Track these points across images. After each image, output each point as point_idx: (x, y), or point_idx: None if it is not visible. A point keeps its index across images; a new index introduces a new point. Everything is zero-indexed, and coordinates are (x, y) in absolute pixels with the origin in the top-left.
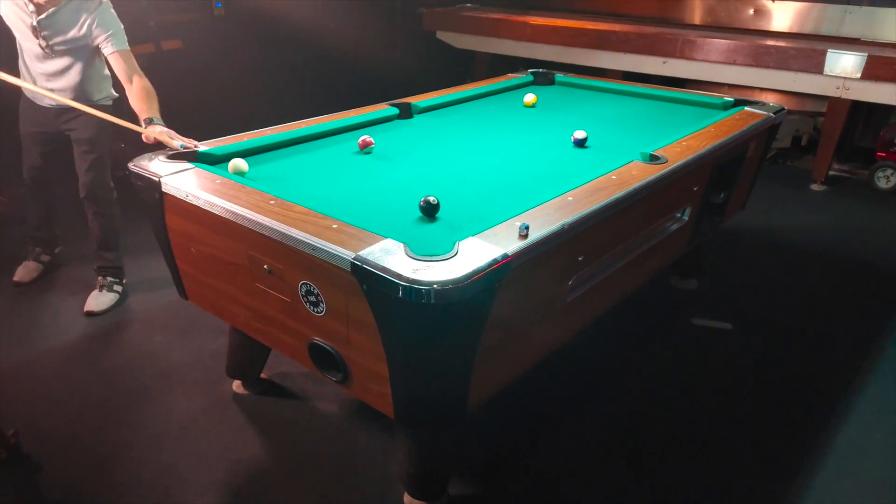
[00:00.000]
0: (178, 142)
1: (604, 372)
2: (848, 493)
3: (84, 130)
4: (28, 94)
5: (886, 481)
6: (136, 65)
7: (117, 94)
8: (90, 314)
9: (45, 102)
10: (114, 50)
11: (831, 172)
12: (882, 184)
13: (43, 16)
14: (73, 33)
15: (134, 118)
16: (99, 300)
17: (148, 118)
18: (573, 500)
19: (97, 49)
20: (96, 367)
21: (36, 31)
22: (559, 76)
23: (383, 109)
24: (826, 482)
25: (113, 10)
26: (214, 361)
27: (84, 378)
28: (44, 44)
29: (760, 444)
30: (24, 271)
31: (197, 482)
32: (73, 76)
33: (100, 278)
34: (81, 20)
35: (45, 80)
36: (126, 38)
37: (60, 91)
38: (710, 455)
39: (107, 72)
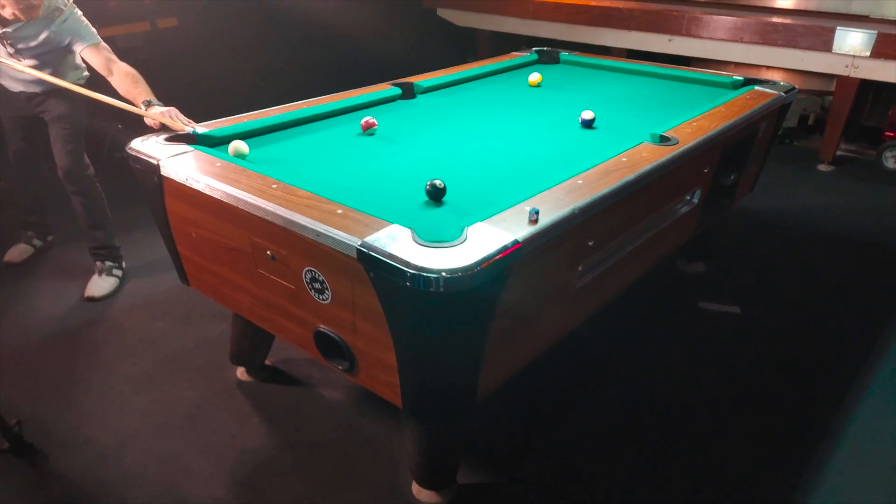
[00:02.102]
0: (188, 127)
1: (612, 357)
2: (862, 479)
3: (57, 108)
4: (1, 81)
5: None
6: (111, 53)
7: (89, 74)
8: (91, 299)
9: (15, 88)
10: (84, 46)
11: (839, 152)
12: (890, 164)
13: (9, 28)
14: (39, 42)
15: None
16: (99, 285)
17: (146, 101)
18: (583, 486)
19: (68, 48)
20: (98, 354)
21: (2, 39)
22: (564, 55)
23: (386, 90)
24: (839, 468)
25: (77, 12)
26: (217, 348)
27: (86, 365)
28: (11, 50)
29: (772, 430)
30: (16, 252)
31: (203, 471)
32: (44, 72)
33: (98, 263)
34: (47, 31)
35: (14, 72)
36: (95, 32)
37: (32, 82)
38: (721, 440)
39: (78, 60)
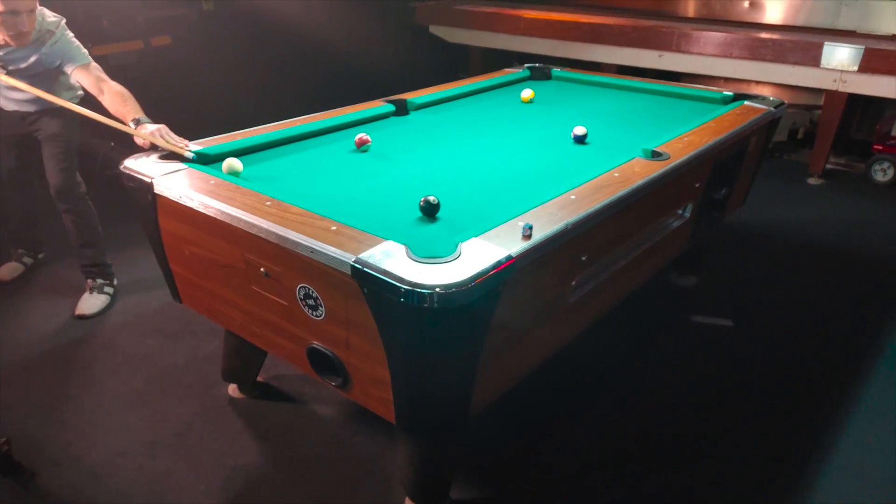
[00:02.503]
0: (183, 147)
1: (605, 372)
2: (853, 491)
3: (50, 126)
4: None
5: (891, 479)
6: (102, 73)
7: (83, 94)
8: (81, 317)
9: (8, 107)
10: (75, 66)
11: (828, 166)
12: (879, 177)
13: (0, 53)
14: (30, 64)
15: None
16: (90, 303)
17: (135, 119)
18: (577, 500)
19: (59, 69)
20: (88, 372)
21: None
22: (556, 71)
23: (379, 106)
24: (830, 480)
25: (68, 34)
26: (209, 365)
27: (76, 383)
28: (3, 72)
29: (764, 442)
30: (6, 270)
31: (193, 489)
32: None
33: (89, 281)
34: (38, 54)
35: (7, 92)
36: (86, 53)
37: (26, 101)
38: (713, 454)
39: (73, 81)
